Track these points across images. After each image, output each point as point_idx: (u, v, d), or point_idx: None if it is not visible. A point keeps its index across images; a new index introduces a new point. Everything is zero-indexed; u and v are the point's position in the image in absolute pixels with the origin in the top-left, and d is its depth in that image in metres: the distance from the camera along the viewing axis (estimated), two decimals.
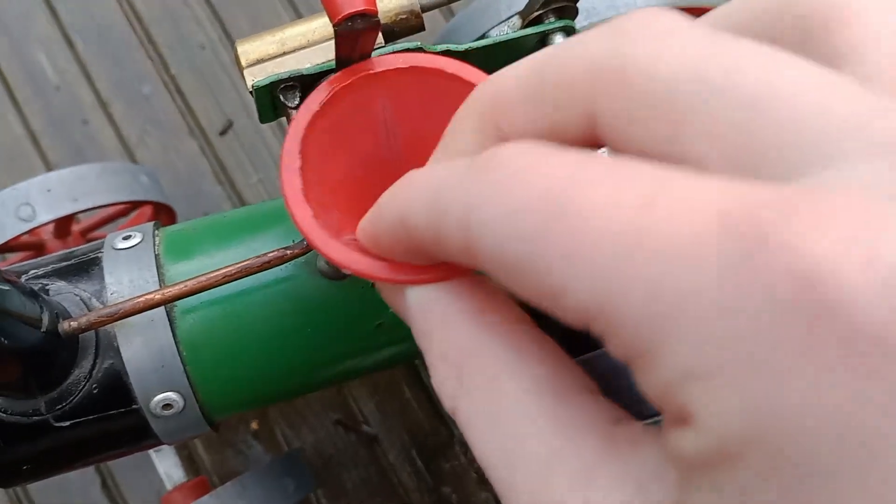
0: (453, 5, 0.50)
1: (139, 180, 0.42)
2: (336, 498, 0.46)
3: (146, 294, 0.25)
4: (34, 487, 0.47)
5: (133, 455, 0.31)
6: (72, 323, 0.25)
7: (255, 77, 0.25)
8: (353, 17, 0.20)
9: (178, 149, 0.52)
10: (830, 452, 0.11)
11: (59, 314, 0.26)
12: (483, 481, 0.46)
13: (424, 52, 0.24)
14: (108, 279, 0.28)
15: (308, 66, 0.25)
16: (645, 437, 0.14)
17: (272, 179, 0.51)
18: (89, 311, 0.27)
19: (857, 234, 0.11)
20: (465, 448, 0.47)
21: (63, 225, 0.44)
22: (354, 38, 0.21)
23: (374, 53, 0.22)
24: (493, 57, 0.27)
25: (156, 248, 0.29)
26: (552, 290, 0.13)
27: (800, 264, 0.11)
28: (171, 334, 0.27)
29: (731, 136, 0.13)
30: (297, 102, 0.24)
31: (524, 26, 0.28)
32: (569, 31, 0.28)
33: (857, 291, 0.11)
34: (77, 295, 0.27)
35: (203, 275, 0.25)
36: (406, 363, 0.47)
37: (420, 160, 0.18)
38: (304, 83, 0.25)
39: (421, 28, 0.27)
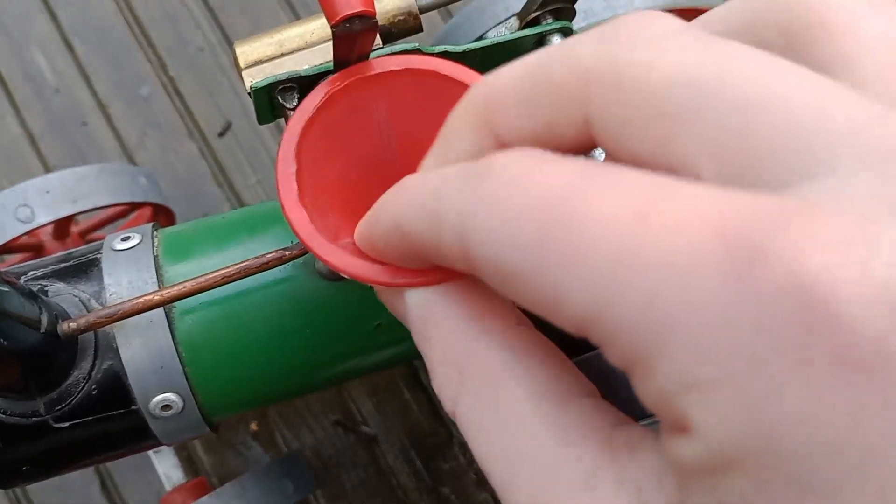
0: (451, 7, 0.50)
1: (138, 182, 0.42)
2: (335, 498, 0.46)
3: (145, 295, 0.25)
4: (34, 488, 0.47)
5: (132, 456, 0.31)
6: (71, 324, 0.25)
7: (254, 78, 0.25)
8: (350, 18, 0.20)
9: (177, 150, 0.52)
10: (826, 464, 0.11)
11: (59, 315, 0.26)
12: (482, 482, 0.46)
13: (422, 53, 0.24)
14: (107, 280, 0.28)
15: (306, 67, 0.25)
16: (644, 442, 0.14)
17: (271, 181, 0.51)
18: (88, 312, 0.27)
19: (851, 248, 0.11)
20: (464, 449, 0.47)
21: (62, 226, 0.44)
22: (352, 39, 0.21)
23: (371, 55, 0.22)
24: (490, 58, 0.27)
25: (155, 249, 0.29)
26: (549, 298, 0.13)
27: (795, 278, 0.11)
28: (170, 335, 0.27)
29: (725, 141, 0.13)
30: (295, 104, 0.25)
31: (522, 28, 0.28)
32: (566, 33, 0.28)
33: (851, 305, 0.11)
34: (76, 296, 0.27)
35: (202, 276, 0.25)
36: (405, 364, 0.47)
37: (416, 162, 0.18)
38: (303, 84, 0.25)
39: (419, 29, 0.27)
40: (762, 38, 0.15)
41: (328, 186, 0.21)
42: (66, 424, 0.27)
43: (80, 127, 0.52)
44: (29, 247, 0.44)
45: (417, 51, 0.24)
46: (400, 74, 0.22)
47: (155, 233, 0.30)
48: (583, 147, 0.16)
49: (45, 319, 0.25)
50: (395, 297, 0.18)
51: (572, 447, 0.15)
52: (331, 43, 0.22)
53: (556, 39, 0.27)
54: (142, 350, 0.27)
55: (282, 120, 0.26)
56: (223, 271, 0.25)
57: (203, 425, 0.29)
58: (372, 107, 0.22)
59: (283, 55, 0.26)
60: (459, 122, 0.17)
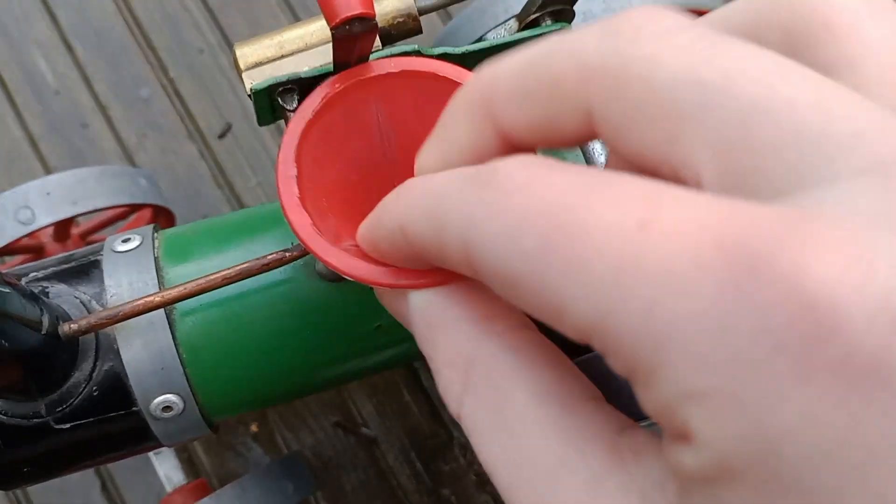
0: (450, 8, 0.50)
1: (138, 183, 0.42)
2: (335, 500, 0.46)
3: (146, 296, 0.25)
4: (34, 490, 0.47)
5: (133, 457, 0.31)
6: (72, 325, 0.25)
7: (254, 80, 0.25)
8: (350, 20, 0.20)
9: (177, 152, 0.52)
10: (826, 474, 0.11)
11: (60, 317, 0.26)
12: (482, 483, 0.46)
13: (421, 55, 0.24)
14: (107, 282, 0.28)
15: (306, 69, 0.25)
16: (648, 447, 0.14)
17: (271, 182, 0.51)
18: (89, 313, 0.27)
19: (852, 259, 0.11)
20: (465, 450, 0.47)
21: (62, 228, 0.44)
22: (352, 41, 0.21)
23: (371, 57, 0.22)
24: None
25: (155, 250, 0.29)
26: (552, 306, 0.13)
27: (794, 288, 0.11)
28: (170, 336, 0.27)
29: (728, 143, 0.13)
30: (295, 105, 0.25)
31: (521, 29, 0.28)
32: None
33: (851, 317, 0.11)
34: (77, 297, 0.27)
35: (202, 277, 0.25)
36: (405, 365, 0.47)
37: (414, 164, 0.18)
38: (302, 86, 0.25)
39: (418, 31, 0.27)
40: (765, 38, 0.15)
41: (328, 189, 0.21)
42: (67, 426, 0.27)
43: (81, 128, 0.52)
44: (30, 248, 0.45)
45: (417, 53, 0.24)
46: (399, 76, 0.22)
47: (155, 234, 0.30)
48: (584, 138, 0.15)
49: (46, 321, 0.25)
50: (398, 299, 0.18)
51: (577, 451, 0.15)
52: (330, 45, 0.22)
53: None
54: (142, 351, 0.27)
55: (282, 121, 0.26)
56: (224, 273, 0.25)
57: (203, 426, 0.29)
58: (371, 109, 0.22)
59: (283, 57, 0.26)
60: (460, 110, 0.17)
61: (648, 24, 0.14)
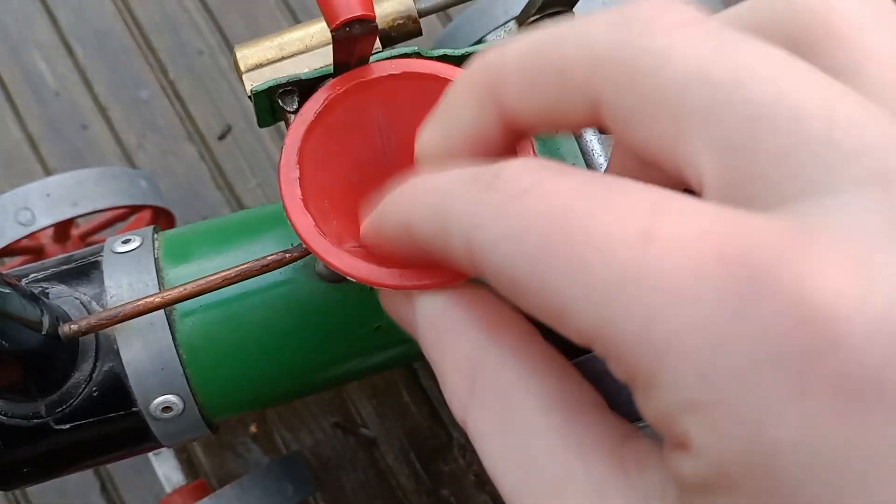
0: (450, 10, 0.51)
1: (138, 185, 0.42)
2: (335, 501, 0.46)
3: (146, 297, 0.25)
4: (34, 490, 0.47)
5: (132, 458, 0.31)
6: (72, 326, 0.25)
7: (254, 82, 0.25)
8: (350, 22, 0.20)
9: (177, 153, 0.52)
10: (822, 488, 0.11)
11: (60, 317, 0.26)
12: (481, 483, 0.46)
13: (421, 57, 0.24)
14: (107, 283, 0.28)
15: (306, 70, 0.25)
16: (650, 456, 0.15)
17: (271, 184, 0.51)
18: (89, 314, 0.27)
19: (853, 276, 0.11)
20: (464, 451, 0.47)
21: (62, 229, 0.44)
22: (352, 43, 0.21)
23: (371, 58, 0.22)
24: None
25: (155, 251, 0.29)
26: (555, 310, 0.13)
27: (796, 303, 0.11)
28: (170, 337, 0.27)
29: (731, 148, 0.13)
30: (295, 107, 0.25)
31: (520, 31, 0.29)
32: None
33: (851, 333, 0.11)
34: (77, 298, 0.28)
35: (202, 278, 0.25)
36: (405, 366, 0.48)
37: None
38: (303, 88, 0.25)
39: (418, 33, 0.27)
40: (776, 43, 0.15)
41: (330, 191, 0.21)
42: (67, 426, 0.27)
43: (80, 130, 0.52)
44: (30, 249, 0.45)
45: (417, 54, 0.24)
46: (400, 78, 0.22)
47: (155, 235, 0.30)
48: (588, 124, 0.15)
49: (46, 321, 0.25)
50: (401, 304, 0.18)
51: (582, 458, 0.15)
52: (331, 46, 0.22)
53: None
54: (142, 352, 0.27)
55: (282, 123, 0.26)
56: (223, 273, 0.25)
57: (203, 426, 0.29)
58: (372, 111, 0.22)
59: (283, 58, 0.26)
60: (464, 90, 0.17)
61: (660, 16, 0.14)
